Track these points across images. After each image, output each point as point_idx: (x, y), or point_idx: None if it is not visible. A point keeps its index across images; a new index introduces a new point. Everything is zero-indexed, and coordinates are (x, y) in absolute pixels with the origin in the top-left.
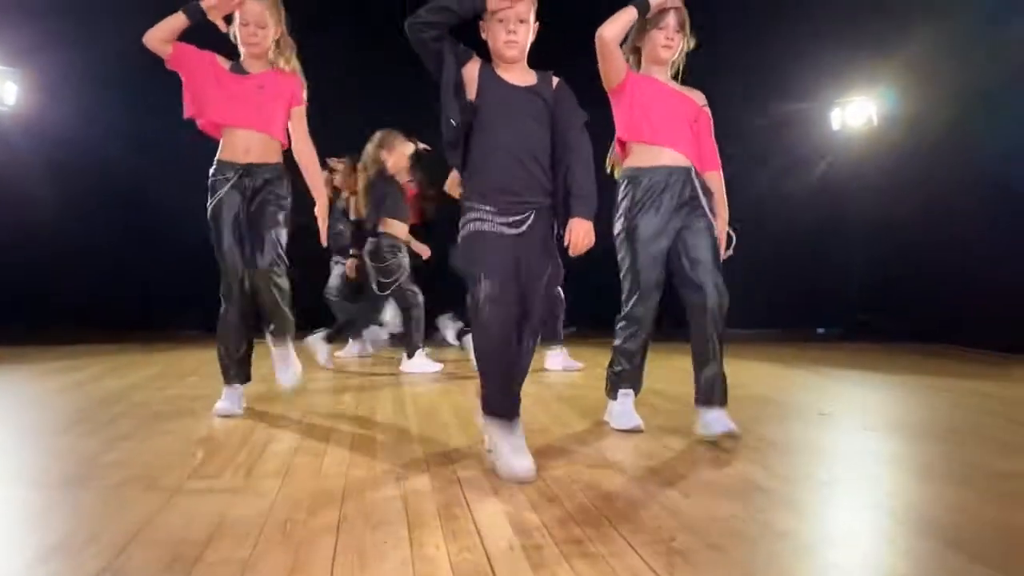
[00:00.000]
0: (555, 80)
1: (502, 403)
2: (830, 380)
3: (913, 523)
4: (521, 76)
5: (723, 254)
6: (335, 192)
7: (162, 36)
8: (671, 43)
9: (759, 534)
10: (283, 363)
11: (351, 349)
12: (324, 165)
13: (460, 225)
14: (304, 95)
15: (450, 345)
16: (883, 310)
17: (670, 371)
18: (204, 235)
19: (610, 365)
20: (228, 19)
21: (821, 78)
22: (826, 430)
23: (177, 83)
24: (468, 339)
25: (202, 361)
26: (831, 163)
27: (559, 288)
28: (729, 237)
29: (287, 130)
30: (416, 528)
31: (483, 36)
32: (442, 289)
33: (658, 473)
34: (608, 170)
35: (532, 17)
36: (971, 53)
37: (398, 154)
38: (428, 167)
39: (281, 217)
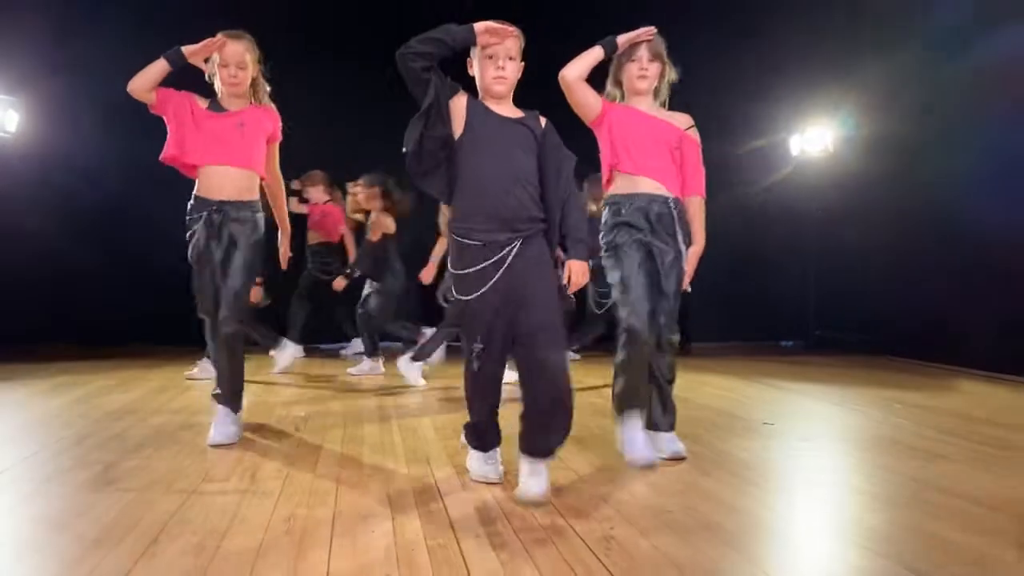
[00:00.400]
0: (543, 119)
1: (481, 437)
2: (781, 392)
3: (827, 519)
4: (509, 111)
5: (685, 283)
6: (366, 215)
7: (144, 85)
8: (646, 73)
9: (691, 527)
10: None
11: (363, 367)
12: (343, 191)
13: (449, 264)
14: (280, 131)
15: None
16: (838, 326)
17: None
18: None
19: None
20: (206, 59)
21: (783, 109)
22: (768, 439)
23: None
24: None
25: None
26: (823, 209)
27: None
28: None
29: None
30: (398, 518)
31: (470, 72)
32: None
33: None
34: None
35: (519, 55)
36: (924, 82)
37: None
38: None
39: (246, 261)
